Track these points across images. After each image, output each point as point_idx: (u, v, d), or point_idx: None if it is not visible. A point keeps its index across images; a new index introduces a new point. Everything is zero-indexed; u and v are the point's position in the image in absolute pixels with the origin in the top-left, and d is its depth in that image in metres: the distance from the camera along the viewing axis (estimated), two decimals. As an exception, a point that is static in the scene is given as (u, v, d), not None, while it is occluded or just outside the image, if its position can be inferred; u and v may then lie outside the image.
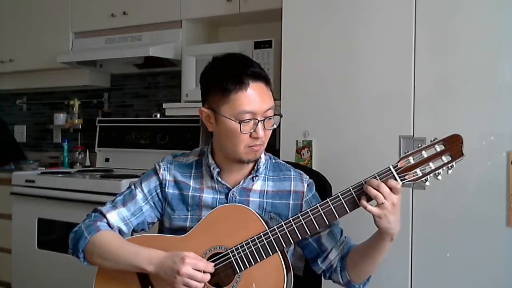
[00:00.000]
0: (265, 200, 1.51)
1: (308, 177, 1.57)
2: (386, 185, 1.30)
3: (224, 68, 1.41)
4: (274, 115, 1.43)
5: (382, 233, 1.35)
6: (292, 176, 1.55)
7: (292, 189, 1.53)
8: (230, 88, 1.37)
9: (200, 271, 1.33)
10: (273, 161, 1.58)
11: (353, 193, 1.33)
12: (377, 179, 1.32)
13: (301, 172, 1.58)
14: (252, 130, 1.39)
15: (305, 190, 1.53)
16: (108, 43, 3.35)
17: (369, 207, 1.30)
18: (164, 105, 3.11)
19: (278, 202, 1.51)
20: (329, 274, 1.50)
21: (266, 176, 1.53)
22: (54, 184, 2.99)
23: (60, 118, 3.86)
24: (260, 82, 1.40)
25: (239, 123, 1.37)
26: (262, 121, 1.39)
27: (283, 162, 1.60)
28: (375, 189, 1.29)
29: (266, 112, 1.40)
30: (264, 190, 1.52)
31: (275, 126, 1.45)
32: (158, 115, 3.39)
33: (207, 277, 1.34)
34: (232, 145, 1.42)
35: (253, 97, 1.38)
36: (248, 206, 1.46)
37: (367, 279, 1.48)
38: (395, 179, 1.31)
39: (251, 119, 1.38)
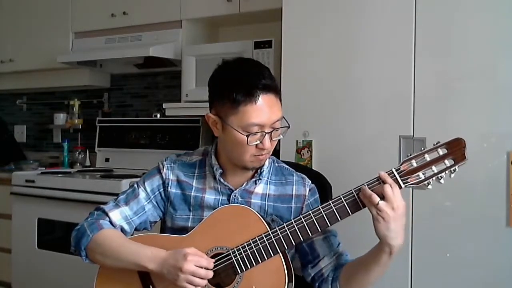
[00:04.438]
0: (266, 203, 1.51)
1: (310, 182, 1.57)
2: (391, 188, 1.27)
3: (235, 78, 1.39)
4: (282, 126, 1.42)
5: (381, 242, 1.30)
6: (295, 180, 1.55)
7: (294, 193, 1.53)
8: (239, 99, 1.35)
9: (202, 268, 1.33)
10: (276, 164, 1.58)
11: (355, 195, 1.33)
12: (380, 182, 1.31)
13: (304, 176, 1.58)
14: (259, 142, 1.38)
15: (307, 193, 1.53)
16: (108, 43, 3.35)
17: (370, 206, 1.27)
18: (164, 105, 3.11)
19: (280, 206, 1.51)
20: (318, 283, 1.46)
21: (269, 180, 1.53)
22: (54, 184, 2.99)
23: (60, 118, 3.86)
24: (270, 93, 1.38)
25: (246, 136, 1.36)
26: (269, 133, 1.39)
27: (286, 166, 1.60)
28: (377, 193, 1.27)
29: (274, 123, 1.39)
30: (266, 194, 1.52)
31: (281, 137, 1.44)
32: (158, 115, 3.39)
33: (210, 274, 1.34)
34: (238, 154, 1.42)
35: (262, 110, 1.36)
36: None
37: None
38: (398, 183, 1.30)
39: (258, 131, 1.37)
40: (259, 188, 1.51)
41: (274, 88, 1.39)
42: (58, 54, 3.41)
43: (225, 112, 1.39)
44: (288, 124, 1.42)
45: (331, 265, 1.46)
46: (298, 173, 1.59)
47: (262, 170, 1.50)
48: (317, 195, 1.57)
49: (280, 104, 1.42)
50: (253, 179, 1.50)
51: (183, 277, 1.32)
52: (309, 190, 1.54)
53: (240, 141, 1.37)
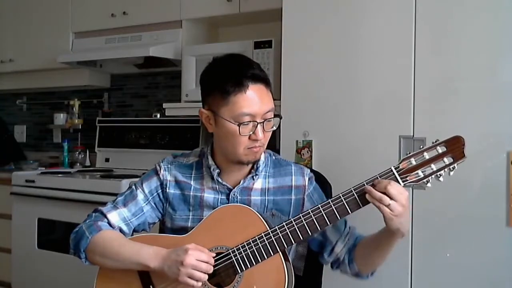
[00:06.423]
0: (266, 197, 1.51)
1: (309, 170, 1.58)
2: (392, 186, 1.28)
3: (224, 70, 1.41)
4: (274, 116, 1.43)
5: (393, 232, 1.35)
6: (293, 170, 1.55)
7: (293, 184, 1.53)
8: (229, 90, 1.37)
9: (203, 262, 1.33)
10: (273, 158, 1.58)
11: (355, 194, 1.33)
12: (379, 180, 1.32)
13: (302, 166, 1.59)
14: (251, 132, 1.39)
15: (306, 183, 1.54)
16: (108, 43, 3.35)
17: (382, 207, 1.29)
18: (164, 105, 3.11)
19: (279, 199, 1.52)
20: (336, 265, 1.52)
21: (267, 174, 1.53)
22: (54, 184, 2.99)
23: (60, 118, 3.86)
24: (259, 84, 1.40)
25: (238, 125, 1.37)
26: (262, 123, 1.39)
27: (283, 158, 1.60)
28: (381, 192, 1.29)
29: (266, 114, 1.40)
30: (266, 188, 1.52)
31: (274, 128, 1.45)
32: (158, 115, 3.39)
33: (211, 268, 1.34)
34: (232, 147, 1.42)
35: (252, 99, 1.37)
36: (250, 205, 1.46)
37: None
38: (397, 181, 1.31)
39: (250, 121, 1.38)
40: (258, 184, 1.51)
41: (263, 79, 1.41)
42: (58, 54, 3.41)
43: (217, 105, 1.40)
44: (281, 115, 1.45)
45: (345, 248, 1.50)
46: (296, 163, 1.59)
47: (258, 165, 1.50)
48: (315, 183, 1.58)
49: (271, 96, 1.43)
50: (250, 175, 1.50)
51: (184, 271, 1.32)
52: (308, 179, 1.55)
53: (233, 132, 1.38)
